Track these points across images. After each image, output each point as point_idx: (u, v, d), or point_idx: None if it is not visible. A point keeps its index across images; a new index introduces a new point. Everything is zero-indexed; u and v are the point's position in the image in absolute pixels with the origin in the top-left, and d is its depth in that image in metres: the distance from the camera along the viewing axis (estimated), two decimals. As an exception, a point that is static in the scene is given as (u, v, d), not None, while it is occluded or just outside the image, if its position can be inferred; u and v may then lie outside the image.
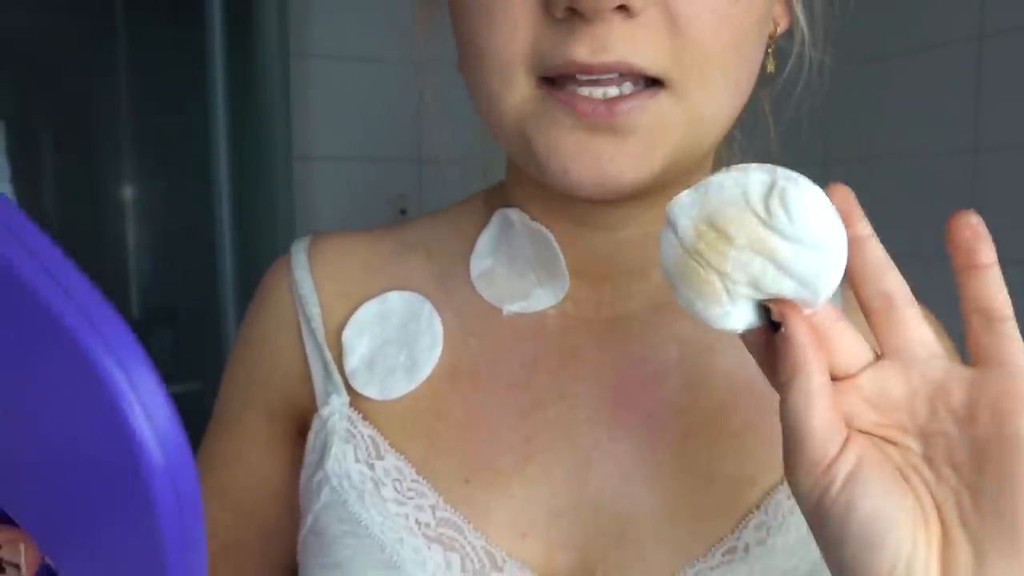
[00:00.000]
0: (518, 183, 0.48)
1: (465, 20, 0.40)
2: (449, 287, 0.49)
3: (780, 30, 0.45)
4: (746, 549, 0.41)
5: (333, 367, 0.48)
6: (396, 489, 0.44)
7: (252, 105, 1.42)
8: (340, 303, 0.49)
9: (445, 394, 0.45)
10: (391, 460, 0.44)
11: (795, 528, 0.42)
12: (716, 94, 0.39)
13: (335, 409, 0.46)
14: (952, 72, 1.37)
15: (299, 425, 0.50)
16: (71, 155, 1.39)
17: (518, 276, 0.47)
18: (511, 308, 0.47)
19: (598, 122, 0.37)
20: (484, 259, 0.48)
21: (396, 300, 0.48)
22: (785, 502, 0.42)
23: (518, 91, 0.39)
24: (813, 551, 0.41)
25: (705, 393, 0.45)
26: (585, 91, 0.37)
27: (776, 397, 0.40)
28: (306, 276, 0.50)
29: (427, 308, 0.47)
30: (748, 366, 0.43)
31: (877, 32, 1.48)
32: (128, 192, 1.44)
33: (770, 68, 0.44)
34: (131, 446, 0.21)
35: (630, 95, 0.37)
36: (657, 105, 0.37)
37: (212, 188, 1.39)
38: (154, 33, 1.46)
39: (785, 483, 0.42)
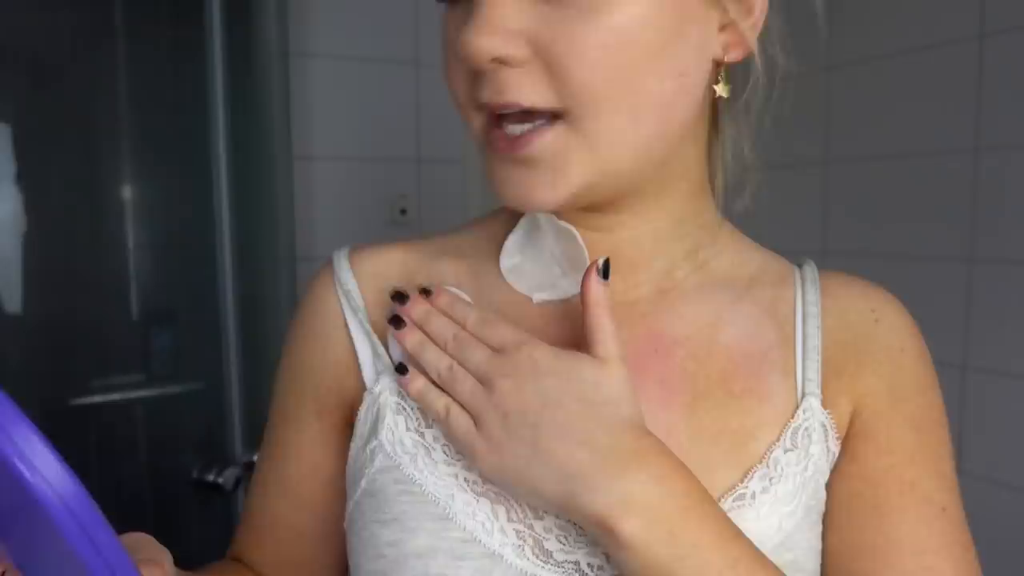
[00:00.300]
0: None
1: (442, 64, 0.49)
2: (482, 283, 0.56)
3: (731, 58, 0.50)
4: (753, 496, 0.49)
5: (381, 350, 0.55)
6: (445, 452, 0.50)
7: (252, 105, 1.42)
8: (383, 298, 0.56)
9: None
10: (438, 428, 0.51)
11: (791, 478, 0.50)
12: (611, 123, 0.45)
13: (386, 386, 0.53)
14: (952, 72, 1.37)
15: (346, 415, 0.57)
16: (71, 155, 1.39)
17: (545, 269, 0.54)
18: (540, 296, 0.54)
19: (510, 155, 0.46)
20: (513, 256, 0.55)
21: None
22: (782, 456, 0.50)
23: (475, 123, 0.48)
24: (804, 496, 0.50)
25: (709, 362, 0.53)
26: (517, 128, 0.46)
27: (767, 362, 0.53)
28: (349, 276, 0.57)
29: (463, 296, 0.54)
30: (744, 340, 0.54)
31: (877, 32, 1.48)
32: (128, 192, 1.43)
33: (721, 92, 0.51)
34: (31, 496, 0.29)
35: (531, 132, 0.45)
36: (554, 137, 0.45)
37: (212, 188, 1.39)
38: (154, 33, 1.45)
39: (781, 439, 0.51)
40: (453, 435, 0.48)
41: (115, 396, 1.41)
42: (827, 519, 0.52)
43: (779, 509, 0.49)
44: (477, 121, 0.48)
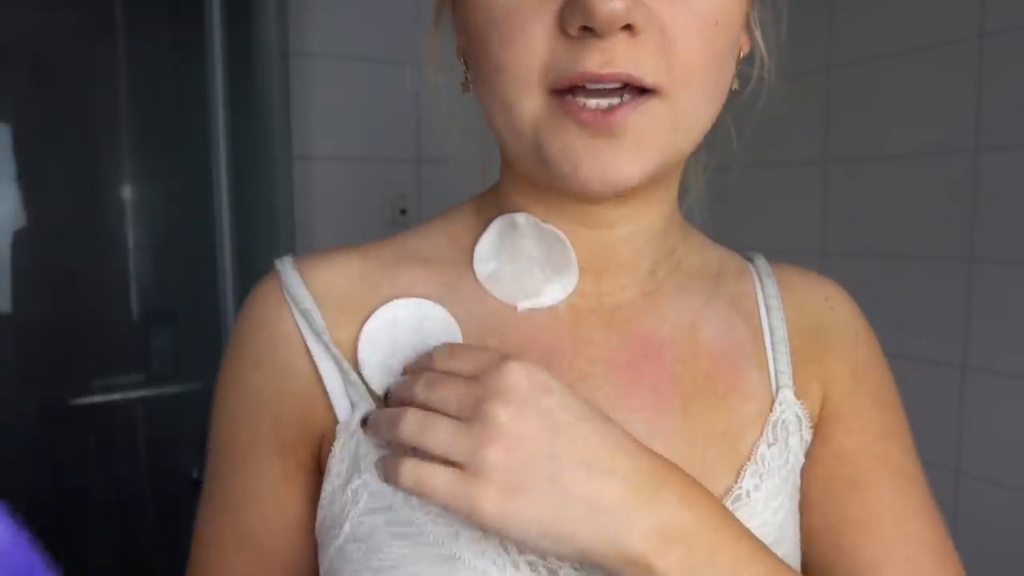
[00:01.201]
0: (517, 189, 0.51)
1: (482, 37, 0.45)
2: (456, 293, 0.51)
3: (743, 54, 0.50)
4: (748, 495, 0.49)
5: (355, 376, 0.48)
6: None
7: (252, 105, 1.42)
8: (344, 316, 0.50)
9: None
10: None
11: (776, 472, 0.50)
12: (698, 102, 0.45)
13: (356, 429, 0.47)
14: (952, 72, 1.37)
15: (314, 451, 0.50)
16: (71, 155, 1.39)
17: (526, 275, 0.51)
18: (524, 304, 0.51)
19: (598, 128, 0.43)
20: (488, 262, 0.51)
21: (403, 307, 0.50)
22: (767, 452, 0.50)
23: (533, 101, 0.44)
24: (787, 488, 0.51)
25: (694, 363, 0.52)
26: (592, 102, 0.43)
27: (743, 358, 0.53)
28: (304, 292, 0.50)
29: (438, 308, 0.50)
30: (721, 337, 0.53)
31: (877, 32, 1.48)
32: (128, 192, 1.44)
33: (734, 86, 0.50)
34: None
35: (625, 105, 0.43)
36: (648, 109, 0.43)
37: (212, 188, 1.39)
38: (154, 33, 1.45)
39: (764, 434, 0.51)
40: (436, 496, 0.40)
41: (115, 396, 1.41)
42: (804, 503, 0.53)
43: (770, 504, 0.49)
44: (536, 98, 0.44)
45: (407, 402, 0.44)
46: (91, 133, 1.41)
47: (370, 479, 0.46)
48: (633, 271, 0.52)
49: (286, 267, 0.51)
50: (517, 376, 0.41)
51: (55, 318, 1.37)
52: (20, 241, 1.36)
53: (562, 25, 0.42)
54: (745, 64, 0.52)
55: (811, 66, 1.56)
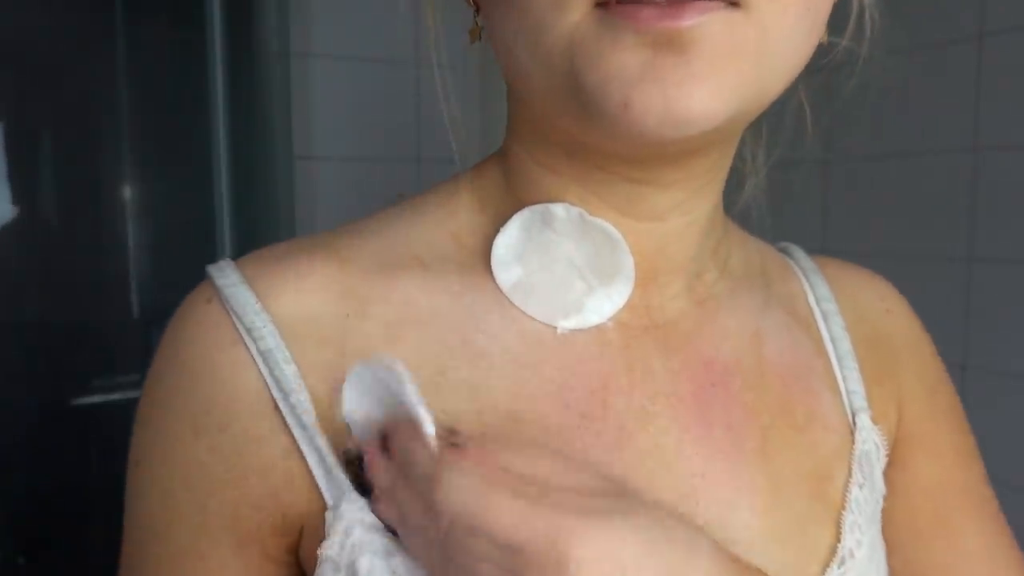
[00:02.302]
0: (537, 161, 0.39)
1: None
2: (473, 310, 0.38)
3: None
4: (851, 554, 0.39)
5: (332, 460, 0.34)
6: None
7: (252, 105, 1.42)
8: (322, 353, 0.35)
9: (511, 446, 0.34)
10: None
11: (872, 519, 0.41)
12: (792, 25, 0.32)
13: (354, 519, 0.34)
14: (952, 72, 1.37)
15: (288, 540, 0.37)
16: (71, 155, 1.39)
17: (563, 284, 0.38)
18: (567, 324, 0.38)
19: (662, 33, 0.30)
20: (510, 267, 0.38)
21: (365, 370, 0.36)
22: (859, 495, 0.41)
23: (572, 14, 0.32)
24: (880, 537, 0.42)
25: (764, 388, 0.41)
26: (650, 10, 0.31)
27: (815, 378, 0.43)
28: (263, 320, 0.35)
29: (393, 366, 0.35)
30: (786, 353, 0.43)
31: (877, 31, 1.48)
32: (128, 192, 1.43)
33: (823, 39, 0.38)
34: None
35: (695, 3, 0.30)
36: (728, 18, 0.31)
37: (212, 188, 1.39)
38: (154, 33, 1.45)
39: (853, 473, 0.41)
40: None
41: (115, 396, 1.41)
42: (886, 539, 0.44)
43: (872, 562, 0.41)
44: (578, 9, 0.31)
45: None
46: (91, 133, 1.41)
47: None
48: (683, 275, 0.41)
49: (231, 280, 0.36)
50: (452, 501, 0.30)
51: (55, 318, 1.37)
52: (20, 241, 1.36)
53: None
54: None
55: (811, 66, 1.55)
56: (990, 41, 1.32)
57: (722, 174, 0.40)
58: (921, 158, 1.42)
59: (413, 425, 0.33)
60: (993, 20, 1.31)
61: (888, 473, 0.45)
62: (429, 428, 0.32)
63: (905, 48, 1.44)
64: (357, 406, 0.35)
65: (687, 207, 0.39)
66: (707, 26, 0.30)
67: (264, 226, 1.45)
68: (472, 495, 0.29)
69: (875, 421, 0.44)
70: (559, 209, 0.38)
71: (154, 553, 0.36)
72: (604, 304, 0.39)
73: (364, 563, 0.33)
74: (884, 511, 0.44)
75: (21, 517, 1.37)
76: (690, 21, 0.30)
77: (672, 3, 0.30)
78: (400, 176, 1.65)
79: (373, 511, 0.34)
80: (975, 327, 1.35)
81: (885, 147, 1.48)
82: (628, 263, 0.38)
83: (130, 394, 1.42)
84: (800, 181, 1.66)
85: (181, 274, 1.49)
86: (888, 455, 0.45)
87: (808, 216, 1.61)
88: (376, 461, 0.34)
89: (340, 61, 1.57)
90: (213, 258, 0.39)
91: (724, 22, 0.31)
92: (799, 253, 0.50)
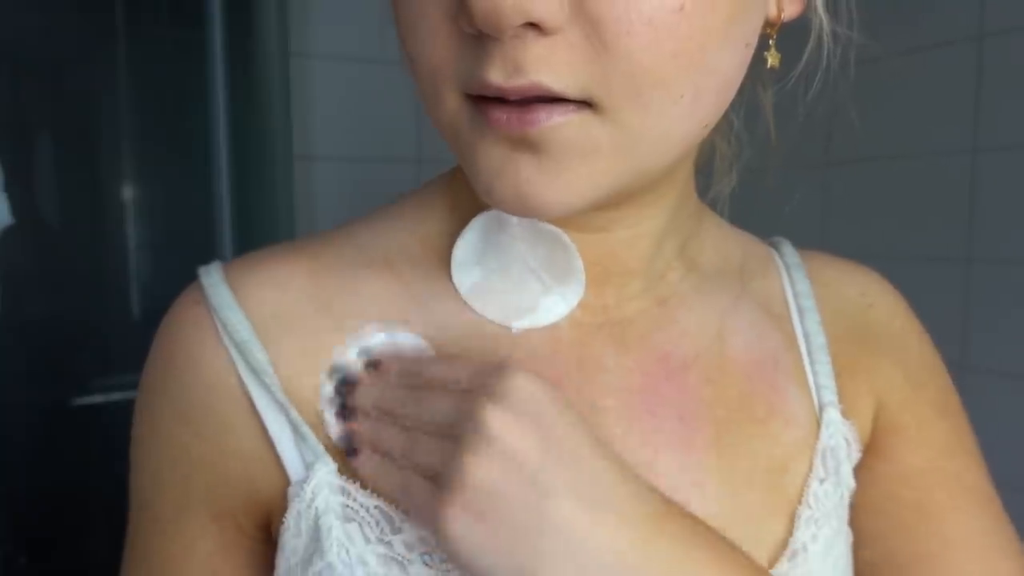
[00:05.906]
0: None
1: (398, 23, 0.36)
2: (433, 311, 0.41)
3: (787, 16, 0.38)
4: (804, 548, 0.40)
5: (307, 429, 0.38)
6: (426, 563, 0.36)
7: (252, 105, 1.42)
8: (291, 344, 0.39)
9: None
10: (412, 530, 0.37)
11: (833, 514, 0.41)
12: (658, 114, 0.33)
13: (323, 482, 0.38)
14: (952, 72, 1.37)
15: (259, 519, 0.41)
16: (71, 155, 1.39)
17: (519, 285, 0.41)
18: (520, 324, 0.41)
19: (515, 134, 0.33)
20: (470, 270, 0.41)
21: (373, 342, 0.40)
22: (819, 489, 0.42)
23: (447, 104, 0.35)
24: (843, 527, 0.42)
25: (723, 383, 0.42)
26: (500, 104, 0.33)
27: (780, 373, 0.44)
28: (238, 316, 0.39)
29: (413, 340, 0.40)
30: (753, 348, 0.44)
31: (877, 31, 1.48)
32: (128, 192, 1.44)
33: (772, 62, 0.39)
34: None
35: (542, 107, 0.32)
36: (580, 122, 0.32)
37: (212, 188, 1.39)
38: (154, 33, 1.45)
39: (814, 468, 0.42)
40: (398, 497, 0.36)
41: (115, 396, 1.41)
42: (861, 533, 0.44)
43: (829, 558, 0.41)
44: (453, 100, 0.34)
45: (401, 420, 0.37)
46: (91, 133, 1.41)
47: (336, 562, 0.36)
48: (641, 276, 0.43)
49: (213, 280, 0.40)
50: (520, 383, 0.34)
51: (55, 318, 1.37)
52: (20, 240, 1.36)
53: (458, 22, 0.32)
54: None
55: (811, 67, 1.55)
56: (990, 41, 1.32)
57: (670, 192, 0.42)
58: (921, 158, 1.43)
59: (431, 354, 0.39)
60: (993, 20, 1.31)
61: (871, 463, 0.45)
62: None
63: (905, 48, 1.44)
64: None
65: (630, 221, 0.41)
66: (558, 129, 0.32)
67: (264, 226, 1.45)
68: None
69: (847, 416, 0.44)
70: (512, 215, 0.39)
71: (145, 519, 0.42)
72: (558, 304, 0.41)
73: (327, 522, 0.37)
74: (864, 502, 0.45)
75: (22, 517, 1.37)
76: (538, 127, 0.32)
77: (523, 108, 0.32)
78: (400, 176, 1.65)
79: (353, 464, 0.38)
80: (974, 327, 1.35)
81: (885, 147, 1.48)
82: (578, 264, 0.41)
83: (130, 394, 1.42)
84: (799, 181, 1.66)
85: (181, 274, 1.49)
86: (865, 447, 0.45)
87: (807, 216, 1.61)
88: (369, 380, 0.38)
89: (340, 61, 1.57)
90: (213, 258, 0.43)
91: (578, 125, 0.32)
92: (786, 248, 0.50)
